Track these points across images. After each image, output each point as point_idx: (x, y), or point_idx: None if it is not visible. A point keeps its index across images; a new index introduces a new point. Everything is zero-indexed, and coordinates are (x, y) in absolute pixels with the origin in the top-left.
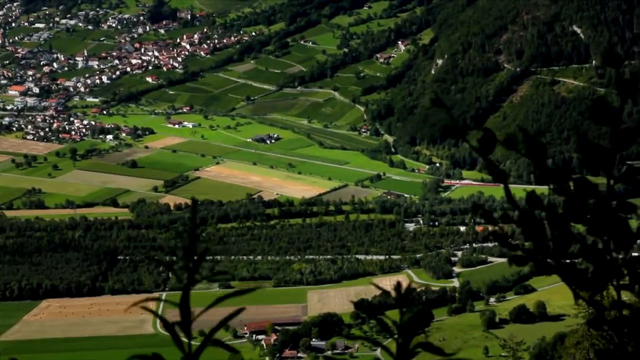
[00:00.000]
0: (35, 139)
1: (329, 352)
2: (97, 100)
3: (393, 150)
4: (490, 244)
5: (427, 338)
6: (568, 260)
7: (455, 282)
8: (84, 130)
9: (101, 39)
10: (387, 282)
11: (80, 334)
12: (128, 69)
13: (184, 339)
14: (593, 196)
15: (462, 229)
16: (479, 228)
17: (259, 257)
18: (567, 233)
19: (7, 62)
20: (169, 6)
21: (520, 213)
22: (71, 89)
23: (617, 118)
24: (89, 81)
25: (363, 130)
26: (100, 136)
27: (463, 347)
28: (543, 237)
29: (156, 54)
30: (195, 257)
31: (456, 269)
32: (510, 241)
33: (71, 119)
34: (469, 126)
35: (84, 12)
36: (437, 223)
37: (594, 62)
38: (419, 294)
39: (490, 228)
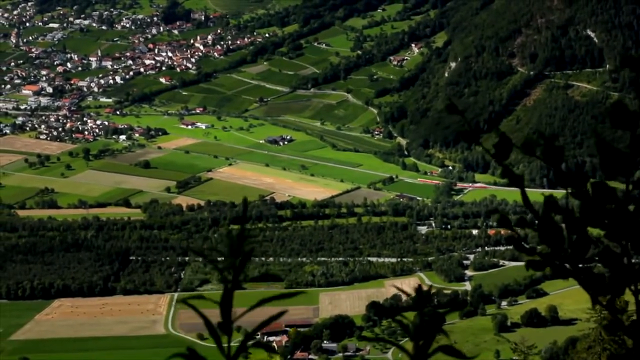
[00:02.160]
0: (48, 138)
1: (340, 355)
2: (110, 100)
3: (406, 152)
4: (502, 248)
5: (448, 340)
6: (584, 265)
7: (467, 286)
8: (97, 130)
9: (115, 39)
10: (400, 285)
11: (91, 334)
12: (141, 70)
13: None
14: (611, 200)
15: (475, 232)
16: (491, 231)
17: (271, 259)
18: (584, 237)
19: (21, 61)
20: (183, 7)
21: (537, 217)
22: (85, 89)
23: (635, 122)
24: (102, 81)
25: (376, 132)
26: (114, 136)
27: (474, 351)
28: (561, 242)
29: (170, 54)
30: (242, 257)
31: (468, 272)
32: (526, 245)
33: (84, 119)
34: (482, 130)
35: (98, 13)
36: (449, 226)
37: (607, 66)
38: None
39: (502, 232)
